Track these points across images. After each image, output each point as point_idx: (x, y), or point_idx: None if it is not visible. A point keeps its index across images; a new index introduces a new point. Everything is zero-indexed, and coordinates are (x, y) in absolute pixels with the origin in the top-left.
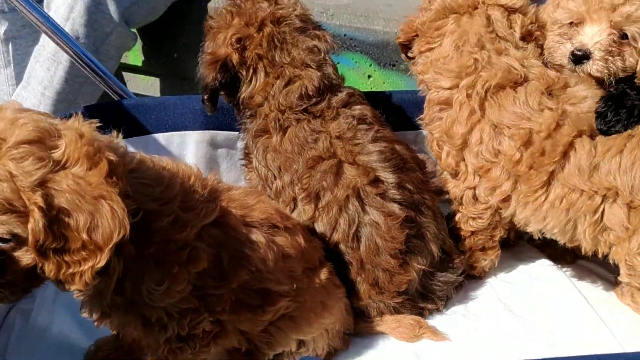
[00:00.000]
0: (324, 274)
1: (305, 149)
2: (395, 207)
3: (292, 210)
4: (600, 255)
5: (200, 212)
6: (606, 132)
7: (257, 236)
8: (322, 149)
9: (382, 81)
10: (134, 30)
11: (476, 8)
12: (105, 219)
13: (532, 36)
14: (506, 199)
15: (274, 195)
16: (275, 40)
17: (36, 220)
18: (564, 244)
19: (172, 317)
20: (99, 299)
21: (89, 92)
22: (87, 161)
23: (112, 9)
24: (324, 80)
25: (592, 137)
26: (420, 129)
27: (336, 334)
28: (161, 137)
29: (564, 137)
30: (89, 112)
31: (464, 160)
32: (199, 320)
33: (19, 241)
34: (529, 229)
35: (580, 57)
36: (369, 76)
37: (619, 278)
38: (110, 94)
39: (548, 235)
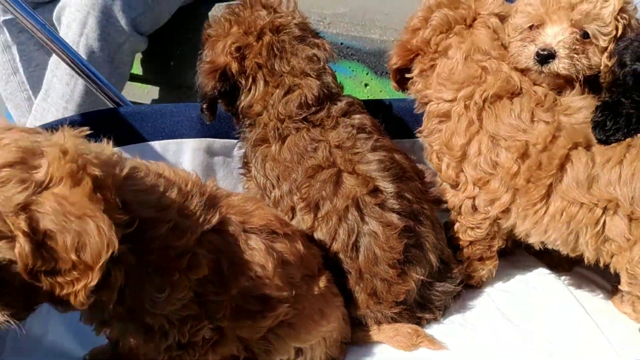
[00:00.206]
0: (322, 282)
1: (304, 158)
2: (394, 217)
3: (291, 220)
4: (601, 264)
5: (200, 219)
6: (606, 142)
7: (257, 242)
8: (321, 158)
9: (379, 89)
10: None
11: (475, 19)
12: (93, 238)
13: None
14: (506, 211)
15: (272, 204)
16: (275, 49)
17: (22, 246)
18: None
19: (173, 325)
20: (100, 309)
21: None
22: (71, 179)
23: (123, 21)
24: (324, 89)
25: (587, 148)
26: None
27: (334, 343)
28: (157, 144)
29: (560, 150)
30: (85, 120)
31: (463, 171)
32: (199, 327)
33: (12, 261)
34: (531, 241)
35: (545, 57)
36: (366, 84)
37: (620, 287)
38: (107, 101)
39: (550, 246)
